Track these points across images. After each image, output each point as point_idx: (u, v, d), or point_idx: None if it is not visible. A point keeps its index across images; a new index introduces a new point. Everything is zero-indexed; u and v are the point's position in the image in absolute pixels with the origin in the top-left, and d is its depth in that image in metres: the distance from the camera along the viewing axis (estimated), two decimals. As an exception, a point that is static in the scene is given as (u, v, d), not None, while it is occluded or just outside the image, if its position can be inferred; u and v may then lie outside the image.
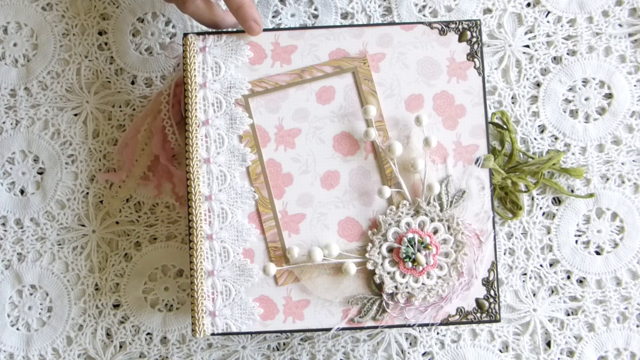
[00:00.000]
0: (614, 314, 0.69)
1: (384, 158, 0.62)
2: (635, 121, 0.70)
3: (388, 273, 0.61)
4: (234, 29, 0.64)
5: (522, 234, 0.70)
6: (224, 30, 0.63)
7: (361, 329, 0.61)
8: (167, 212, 0.71)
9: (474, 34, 0.62)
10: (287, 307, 0.61)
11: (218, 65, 0.62)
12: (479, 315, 0.61)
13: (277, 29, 0.64)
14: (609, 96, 0.70)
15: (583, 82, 0.70)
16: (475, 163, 0.62)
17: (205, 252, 0.61)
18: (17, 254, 0.71)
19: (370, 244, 0.61)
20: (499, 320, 0.61)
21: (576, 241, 0.70)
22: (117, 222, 0.71)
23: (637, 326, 0.69)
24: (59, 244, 0.71)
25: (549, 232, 0.70)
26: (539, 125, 0.70)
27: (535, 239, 0.70)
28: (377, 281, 0.61)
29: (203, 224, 0.61)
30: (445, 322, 0.61)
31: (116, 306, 0.71)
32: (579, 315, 0.69)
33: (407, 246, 0.60)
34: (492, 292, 0.61)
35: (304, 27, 0.65)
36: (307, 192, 0.62)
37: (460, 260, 0.61)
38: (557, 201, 0.70)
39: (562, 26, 0.70)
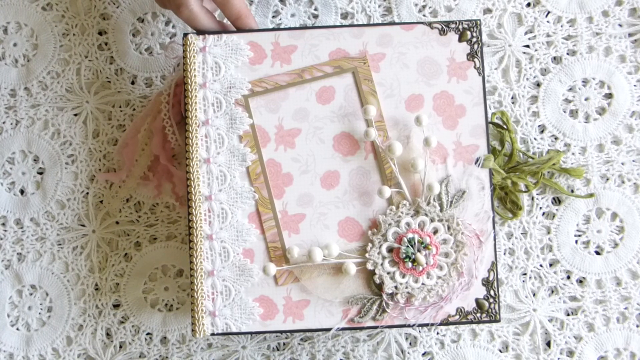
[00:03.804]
0: (614, 314, 0.69)
1: (384, 158, 0.62)
2: (635, 121, 0.70)
3: (388, 273, 0.61)
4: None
5: (522, 234, 0.70)
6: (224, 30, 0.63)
7: (361, 329, 0.61)
8: (167, 212, 0.71)
9: (474, 34, 0.62)
10: (287, 307, 0.61)
11: (218, 65, 0.62)
12: (479, 315, 0.61)
13: (277, 29, 0.64)
14: (609, 96, 0.70)
15: (583, 82, 0.70)
16: (475, 163, 0.62)
17: (205, 252, 0.61)
18: (17, 254, 0.71)
19: (370, 244, 0.61)
20: (498, 320, 0.61)
21: (576, 241, 0.70)
22: (117, 222, 0.71)
23: (637, 326, 0.69)
24: (59, 244, 0.71)
25: (549, 232, 0.70)
26: (539, 125, 0.70)
27: (535, 239, 0.70)
28: (377, 281, 0.61)
29: (203, 224, 0.61)
30: (445, 322, 0.61)
31: (116, 306, 0.71)
32: (579, 315, 0.69)
33: (407, 246, 0.60)
34: (492, 292, 0.61)
35: (304, 27, 0.65)
36: (307, 192, 0.62)
37: (460, 260, 0.61)
38: (557, 201, 0.70)
39: (562, 26, 0.70)
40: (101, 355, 0.70)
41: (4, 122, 0.71)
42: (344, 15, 0.71)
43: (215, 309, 0.61)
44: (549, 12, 0.70)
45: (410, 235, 0.60)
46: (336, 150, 0.62)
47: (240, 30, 0.62)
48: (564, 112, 0.70)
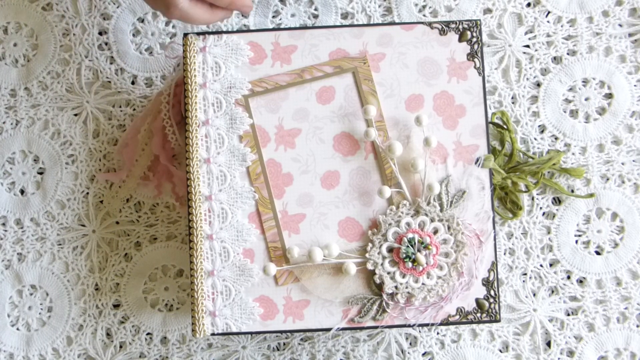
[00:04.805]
0: (614, 314, 0.69)
1: (384, 158, 0.62)
2: (635, 121, 0.70)
3: (388, 273, 0.61)
4: (234, 30, 0.64)
5: (522, 234, 0.70)
6: (224, 30, 0.63)
7: (361, 329, 0.61)
8: (167, 212, 0.71)
9: (474, 34, 0.62)
10: (287, 307, 0.61)
11: (218, 65, 0.62)
12: (479, 315, 0.61)
13: (277, 29, 0.64)
14: (609, 96, 0.70)
15: (583, 82, 0.70)
16: (476, 163, 0.62)
17: (205, 252, 0.61)
18: (17, 254, 0.71)
19: (370, 244, 0.61)
20: (499, 320, 0.61)
21: (576, 241, 0.70)
22: (117, 222, 0.71)
23: (637, 326, 0.69)
24: (59, 244, 0.71)
25: (549, 232, 0.70)
26: (539, 125, 0.70)
27: (535, 239, 0.70)
28: (377, 281, 0.61)
29: (203, 224, 0.61)
30: (445, 322, 0.61)
31: (116, 306, 0.71)
32: (579, 315, 0.69)
33: (407, 246, 0.60)
34: (492, 292, 0.61)
35: (304, 27, 0.65)
36: (307, 192, 0.62)
37: (460, 260, 0.61)
38: (557, 201, 0.70)
39: (562, 26, 0.70)
40: (101, 355, 0.70)
41: (4, 122, 0.71)
42: (344, 15, 0.71)
43: (216, 309, 0.61)
44: (549, 12, 0.70)
45: (410, 235, 0.60)
46: (336, 150, 0.62)
47: (240, 30, 0.62)
48: (564, 112, 0.70)
